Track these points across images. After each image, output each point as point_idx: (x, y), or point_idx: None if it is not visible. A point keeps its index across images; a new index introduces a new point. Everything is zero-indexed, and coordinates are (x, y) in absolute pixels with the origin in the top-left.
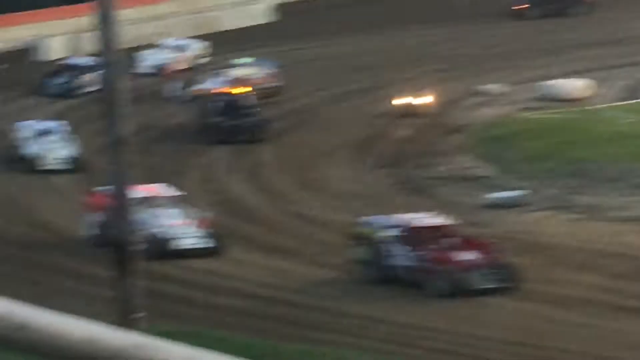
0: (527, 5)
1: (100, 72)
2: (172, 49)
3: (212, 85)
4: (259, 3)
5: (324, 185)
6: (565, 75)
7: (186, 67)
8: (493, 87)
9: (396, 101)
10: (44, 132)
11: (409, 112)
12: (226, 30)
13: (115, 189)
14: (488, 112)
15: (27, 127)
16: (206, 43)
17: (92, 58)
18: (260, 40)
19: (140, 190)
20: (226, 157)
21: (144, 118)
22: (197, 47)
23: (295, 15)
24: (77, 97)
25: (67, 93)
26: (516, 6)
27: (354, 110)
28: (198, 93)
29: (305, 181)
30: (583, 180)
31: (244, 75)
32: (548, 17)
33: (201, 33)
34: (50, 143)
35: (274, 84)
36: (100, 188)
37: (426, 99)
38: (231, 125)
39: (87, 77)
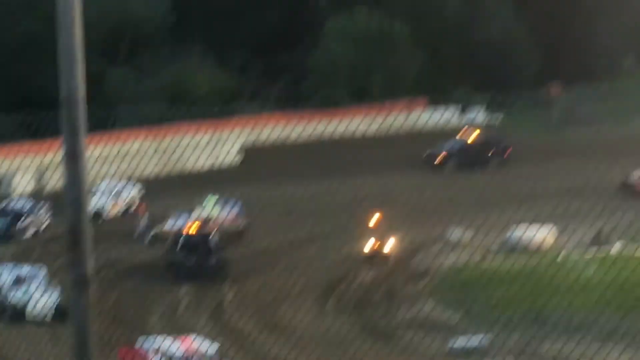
0: (444, 155)
1: (39, 214)
2: (107, 192)
3: (177, 224)
4: (225, 145)
5: (287, 328)
6: (528, 223)
7: (121, 210)
8: (457, 234)
9: (361, 245)
10: (22, 279)
11: (373, 256)
12: (192, 171)
13: (78, 329)
14: (452, 259)
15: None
16: (139, 186)
17: (31, 200)
18: (225, 181)
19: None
20: (190, 297)
21: (107, 256)
22: (131, 191)
23: (261, 158)
24: (16, 241)
25: (5, 238)
26: (435, 155)
27: (318, 253)
28: (164, 232)
29: (269, 323)
30: (544, 329)
31: (209, 216)
32: (464, 169)
33: (167, 172)
34: (31, 290)
35: (236, 226)
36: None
37: (391, 243)
38: (194, 264)
39: (27, 220)
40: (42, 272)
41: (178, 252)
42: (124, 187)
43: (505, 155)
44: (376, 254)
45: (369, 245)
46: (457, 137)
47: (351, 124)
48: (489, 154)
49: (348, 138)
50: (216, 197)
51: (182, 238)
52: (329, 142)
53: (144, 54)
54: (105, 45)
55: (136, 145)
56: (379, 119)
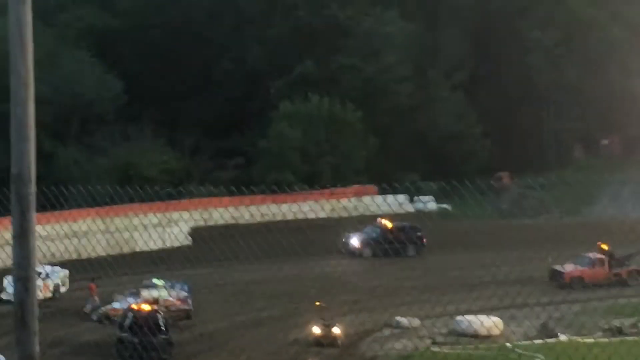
0: (359, 246)
1: None
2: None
3: (124, 304)
4: (173, 226)
5: None
6: (475, 311)
7: (49, 295)
8: (404, 320)
9: (308, 330)
10: None
11: (320, 341)
12: (140, 251)
13: None
14: (398, 345)
15: None
16: (66, 271)
17: None
18: (173, 263)
19: None
20: None
21: (54, 334)
22: (59, 275)
23: (209, 240)
24: None
25: None
26: (355, 245)
27: (265, 337)
28: (111, 311)
29: None
30: None
31: (155, 297)
32: (382, 256)
33: (114, 253)
34: None
35: (184, 307)
36: None
37: (337, 329)
38: (138, 342)
39: None
40: None
41: (126, 329)
42: (51, 271)
43: (422, 242)
44: (324, 338)
45: (317, 330)
46: (374, 225)
47: (301, 207)
48: (407, 242)
49: (298, 221)
50: (162, 280)
51: (130, 314)
52: (279, 225)
53: (95, 134)
54: (56, 124)
55: (85, 226)
56: (329, 204)
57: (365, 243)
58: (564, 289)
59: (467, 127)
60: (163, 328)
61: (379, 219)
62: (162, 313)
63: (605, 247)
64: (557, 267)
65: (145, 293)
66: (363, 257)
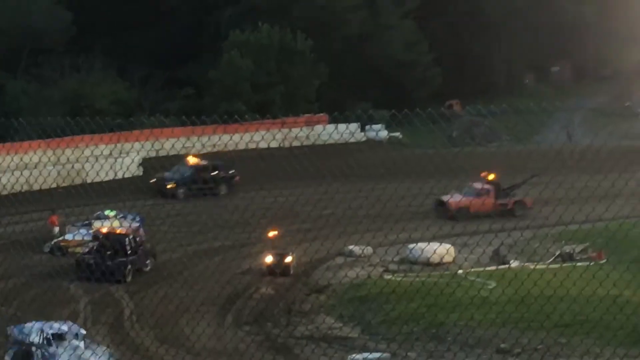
0: (174, 185)
1: None
2: None
3: (75, 237)
4: (124, 158)
5: (185, 342)
6: (427, 239)
7: None
8: (356, 249)
9: (260, 259)
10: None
11: (272, 270)
12: (91, 183)
13: None
14: (351, 273)
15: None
16: None
17: None
18: (124, 194)
19: None
20: (88, 309)
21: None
22: None
23: (161, 170)
24: None
25: None
26: (168, 184)
27: (218, 267)
28: (63, 244)
29: (166, 337)
30: (443, 344)
31: (107, 228)
32: (195, 196)
33: (66, 184)
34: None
35: (136, 238)
36: None
37: (290, 258)
38: (95, 263)
39: None
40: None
41: (93, 251)
42: None
43: (234, 182)
44: (276, 268)
45: (269, 259)
46: (184, 164)
47: (253, 137)
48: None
49: (249, 151)
50: (114, 211)
51: (101, 237)
52: (231, 155)
53: (44, 65)
54: (5, 56)
55: (35, 158)
56: (281, 133)
57: (179, 183)
58: (451, 220)
59: (418, 55)
60: (129, 251)
61: (187, 158)
62: (132, 237)
63: (491, 177)
64: (443, 197)
65: (97, 224)
66: (177, 198)
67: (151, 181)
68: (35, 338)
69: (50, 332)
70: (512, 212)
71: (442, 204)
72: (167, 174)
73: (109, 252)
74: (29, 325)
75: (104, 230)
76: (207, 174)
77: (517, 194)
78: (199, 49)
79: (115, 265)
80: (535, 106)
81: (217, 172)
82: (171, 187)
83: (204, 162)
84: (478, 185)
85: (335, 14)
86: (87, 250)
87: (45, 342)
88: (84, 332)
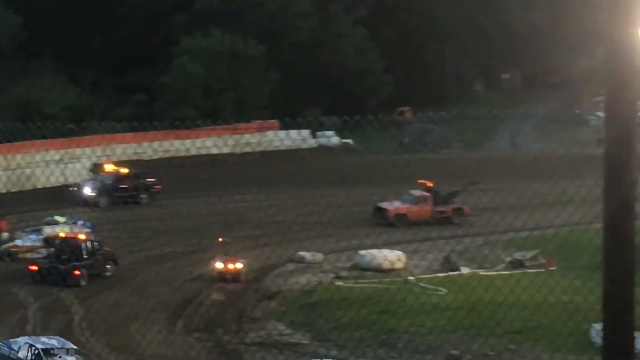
0: (95, 193)
1: None
2: None
3: (25, 243)
4: (76, 163)
5: (135, 348)
6: (379, 246)
7: None
8: (307, 255)
9: (211, 265)
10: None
11: (223, 276)
12: (42, 188)
13: None
14: (302, 280)
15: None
16: None
17: None
18: (75, 199)
19: None
20: (38, 316)
21: None
22: None
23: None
24: None
25: None
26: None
27: (169, 273)
28: (12, 249)
29: (116, 343)
30: (393, 351)
31: (57, 234)
32: (117, 204)
33: (16, 189)
34: None
35: (94, 243)
36: None
37: (240, 264)
38: (50, 267)
39: None
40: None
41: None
42: None
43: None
44: (227, 274)
45: (220, 265)
46: (103, 173)
47: (204, 143)
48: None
49: (201, 157)
50: (64, 217)
51: (57, 242)
52: (182, 161)
53: None
54: None
55: None
56: (232, 139)
57: (100, 191)
58: (389, 227)
59: (369, 62)
60: (85, 256)
61: (107, 165)
62: (90, 242)
63: (429, 184)
64: (382, 204)
65: (47, 229)
66: (99, 207)
67: (71, 189)
68: (24, 354)
69: (41, 347)
70: (450, 220)
71: (380, 210)
72: (87, 182)
73: (64, 257)
74: (17, 340)
75: (62, 234)
76: (128, 182)
77: (467, 201)
78: (151, 55)
79: (69, 269)
80: (486, 113)
81: (138, 180)
82: (92, 196)
83: (124, 170)
84: (416, 193)
85: (286, 21)
86: (44, 255)
87: (34, 358)
88: (74, 347)
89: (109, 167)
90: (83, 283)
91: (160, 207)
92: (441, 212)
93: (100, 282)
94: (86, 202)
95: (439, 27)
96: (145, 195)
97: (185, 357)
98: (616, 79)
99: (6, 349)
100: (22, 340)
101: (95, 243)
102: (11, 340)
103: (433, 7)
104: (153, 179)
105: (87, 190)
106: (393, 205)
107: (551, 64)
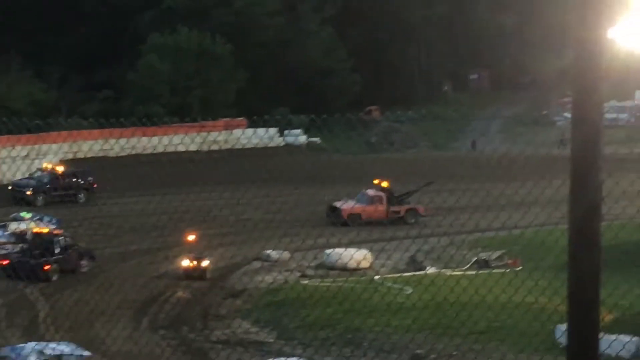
0: (31, 192)
1: None
2: None
3: None
4: (42, 159)
5: (100, 345)
6: (345, 245)
7: None
8: (273, 253)
9: (176, 263)
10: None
11: (189, 274)
12: (7, 184)
13: None
14: (268, 278)
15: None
16: None
17: None
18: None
19: None
20: (3, 312)
21: None
22: None
23: None
24: None
25: None
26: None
27: (134, 270)
28: None
29: (80, 340)
30: (359, 349)
31: (23, 230)
32: (53, 204)
33: None
34: None
35: (67, 238)
36: None
37: (206, 262)
38: (20, 261)
39: None
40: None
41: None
42: None
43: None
44: (193, 271)
45: (186, 263)
46: (41, 172)
47: (172, 140)
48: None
49: (168, 154)
50: (30, 213)
51: (31, 235)
52: (149, 158)
53: None
54: None
55: None
56: (200, 137)
57: (36, 190)
58: (343, 227)
59: (337, 61)
60: (57, 251)
61: (45, 164)
62: (63, 237)
63: (385, 184)
64: (336, 204)
65: (13, 226)
66: (35, 205)
67: (9, 188)
68: None
69: (51, 353)
70: (404, 220)
71: (334, 210)
72: (24, 181)
73: (36, 252)
74: (25, 346)
75: (36, 229)
76: (65, 181)
77: (432, 201)
78: (118, 52)
79: (40, 264)
80: (453, 113)
81: (75, 179)
82: (29, 194)
83: (60, 169)
84: (370, 192)
85: (254, 19)
86: (14, 250)
87: None
88: (87, 353)
89: (49, 166)
90: (54, 278)
91: (124, 205)
92: (395, 212)
93: (66, 279)
94: (24, 201)
95: (407, 27)
96: (82, 195)
97: (151, 354)
98: (584, 81)
99: (14, 355)
100: (30, 345)
101: (68, 238)
102: (19, 345)
103: (401, 7)
104: (90, 178)
105: (24, 189)
106: (347, 205)
107: (519, 64)
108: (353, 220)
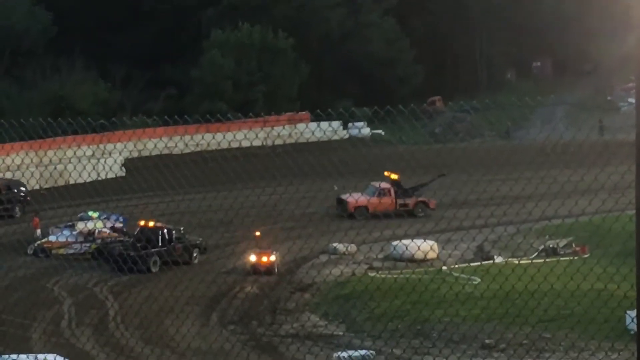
0: None
1: None
2: None
3: (58, 238)
4: (107, 158)
5: (169, 342)
6: (411, 236)
7: None
8: (340, 246)
9: (244, 258)
10: None
11: (257, 269)
12: (74, 184)
13: None
14: (335, 271)
15: None
16: None
17: None
18: (108, 194)
19: None
20: (73, 311)
21: None
22: None
23: (143, 170)
24: None
25: None
26: None
27: (202, 266)
28: (46, 245)
29: (151, 337)
30: (428, 341)
31: (91, 229)
32: None
33: (48, 186)
34: None
35: (120, 238)
36: None
37: (274, 256)
38: (122, 254)
39: None
40: None
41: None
42: None
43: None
44: (261, 266)
45: (254, 258)
46: None
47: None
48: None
49: (232, 150)
50: (97, 212)
51: (138, 230)
52: (213, 155)
53: (26, 67)
54: None
55: (18, 159)
56: (264, 132)
57: None
58: (350, 219)
59: (399, 52)
60: (159, 244)
61: None
62: (168, 230)
63: (394, 176)
64: (343, 196)
65: (80, 225)
66: None
67: None
68: None
69: None
70: (413, 213)
71: (341, 202)
72: None
73: (138, 244)
74: (11, 357)
75: (142, 223)
76: (2, 193)
77: (419, 194)
78: (181, 49)
79: (141, 256)
80: (517, 101)
81: (9, 191)
82: None
83: None
84: (377, 185)
85: (315, 12)
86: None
87: None
88: None
89: None
90: (154, 270)
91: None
92: (404, 204)
93: (132, 276)
94: None
95: (469, 16)
96: (17, 209)
97: (220, 350)
98: None
99: None
100: (16, 357)
101: (174, 232)
102: (6, 355)
103: None
104: (23, 189)
105: None
106: (354, 198)
107: (582, 51)
108: (360, 213)
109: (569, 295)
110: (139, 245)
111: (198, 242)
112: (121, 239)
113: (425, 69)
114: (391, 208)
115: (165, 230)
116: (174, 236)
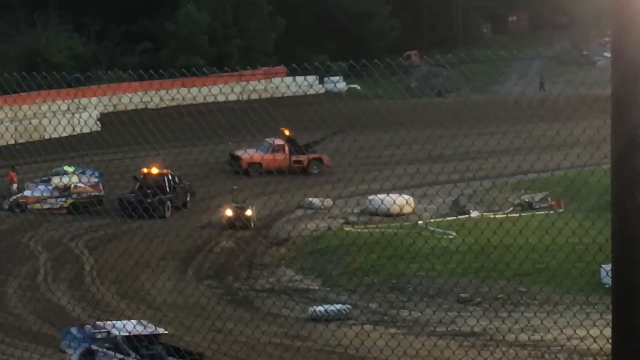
0: None
1: None
2: None
3: (34, 193)
4: (82, 113)
5: (145, 296)
6: (387, 190)
7: None
8: (316, 201)
9: (220, 212)
10: None
11: (232, 223)
12: (49, 138)
13: None
14: (311, 226)
15: None
16: None
17: None
18: (83, 149)
19: None
20: (48, 266)
21: None
22: None
23: (119, 125)
24: None
25: None
26: None
27: (177, 221)
28: (22, 200)
29: (127, 292)
30: (403, 295)
31: (66, 184)
32: None
33: (23, 140)
34: None
35: (95, 193)
36: None
37: (250, 211)
38: (137, 200)
39: None
40: None
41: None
42: None
43: None
44: (237, 221)
45: (229, 213)
46: None
47: (211, 90)
48: None
49: (207, 104)
50: (73, 167)
51: (141, 176)
52: (189, 109)
53: None
54: None
55: None
56: (239, 86)
57: None
58: (244, 175)
59: (376, 6)
60: (168, 189)
61: None
62: (172, 176)
63: (287, 132)
64: (238, 152)
65: (56, 180)
66: None
67: None
68: None
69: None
70: (307, 170)
71: (235, 158)
72: None
73: (149, 191)
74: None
75: (145, 170)
76: None
77: (314, 151)
78: (156, 3)
79: (156, 202)
80: (493, 55)
81: None
82: None
83: None
84: (271, 141)
85: None
86: (129, 190)
87: None
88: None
89: None
90: (167, 214)
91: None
92: (298, 161)
93: (108, 230)
94: None
95: None
96: None
97: (196, 304)
98: (622, 18)
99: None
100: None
101: (176, 178)
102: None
103: None
104: None
105: None
106: (248, 154)
107: (558, 5)
108: (253, 169)
109: (544, 249)
110: (149, 192)
111: (188, 186)
112: (96, 193)
113: (402, 24)
114: (285, 165)
115: (169, 176)
116: (177, 181)
